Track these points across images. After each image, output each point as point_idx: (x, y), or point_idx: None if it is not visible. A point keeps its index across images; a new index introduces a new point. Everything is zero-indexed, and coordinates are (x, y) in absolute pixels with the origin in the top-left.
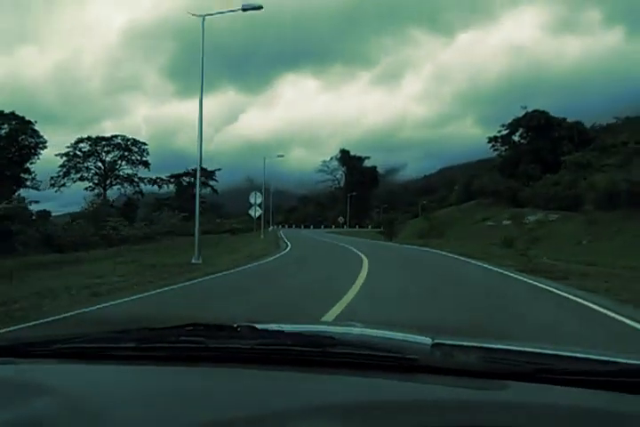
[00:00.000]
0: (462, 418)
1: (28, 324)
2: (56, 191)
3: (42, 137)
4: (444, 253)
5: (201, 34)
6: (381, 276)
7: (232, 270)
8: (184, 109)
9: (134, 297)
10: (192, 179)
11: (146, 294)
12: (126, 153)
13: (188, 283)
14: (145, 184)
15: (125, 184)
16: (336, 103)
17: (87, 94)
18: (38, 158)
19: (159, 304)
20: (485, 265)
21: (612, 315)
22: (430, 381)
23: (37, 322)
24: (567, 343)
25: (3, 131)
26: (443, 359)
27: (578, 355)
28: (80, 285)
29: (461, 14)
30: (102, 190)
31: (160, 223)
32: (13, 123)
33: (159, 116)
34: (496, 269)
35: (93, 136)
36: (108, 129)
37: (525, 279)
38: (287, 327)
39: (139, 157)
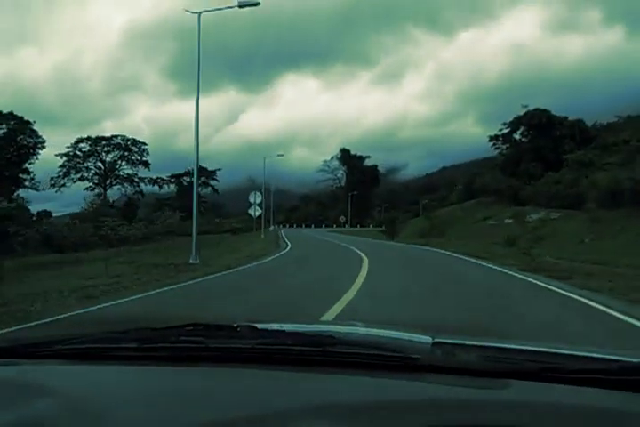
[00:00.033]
0: (465, 417)
1: (9, 329)
2: (56, 191)
3: (40, 137)
4: (448, 252)
5: (198, 32)
6: (382, 276)
7: (230, 270)
8: (185, 109)
9: (121, 300)
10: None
11: (137, 296)
12: (126, 153)
13: (183, 284)
14: (145, 184)
15: (126, 184)
16: (336, 103)
17: (87, 95)
18: (37, 158)
19: (151, 307)
20: (490, 265)
21: (624, 317)
22: (432, 380)
23: (21, 326)
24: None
25: (1, 131)
26: (444, 358)
27: (580, 353)
28: (73, 286)
29: (461, 13)
30: (102, 190)
31: (159, 223)
32: (12, 123)
33: (160, 117)
34: (500, 269)
35: (93, 136)
36: (108, 129)
37: (530, 279)
38: (287, 327)
39: (139, 157)
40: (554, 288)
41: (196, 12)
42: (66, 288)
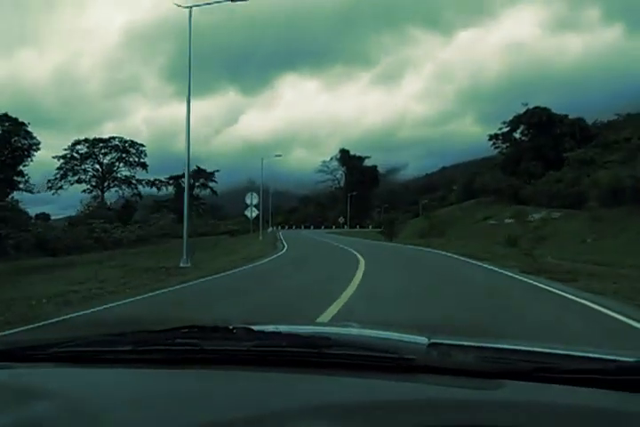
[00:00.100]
0: (460, 418)
1: None
2: (53, 194)
3: (35, 138)
4: (449, 254)
5: (189, 27)
6: (378, 278)
7: (225, 273)
8: (183, 111)
9: (103, 307)
10: (191, 180)
11: (119, 302)
12: (124, 155)
13: (171, 289)
14: (143, 186)
15: (123, 186)
16: (335, 103)
17: (86, 96)
18: (31, 160)
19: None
20: (491, 267)
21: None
22: (428, 380)
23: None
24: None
25: None
26: (440, 359)
27: (575, 353)
28: (56, 292)
29: (461, 13)
30: (100, 193)
31: (154, 225)
32: (6, 124)
33: (158, 118)
34: (502, 271)
35: (91, 138)
36: (107, 131)
37: (534, 282)
38: (283, 329)
39: (137, 159)
40: (558, 291)
41: (187, 7)
42: (49, 294)
